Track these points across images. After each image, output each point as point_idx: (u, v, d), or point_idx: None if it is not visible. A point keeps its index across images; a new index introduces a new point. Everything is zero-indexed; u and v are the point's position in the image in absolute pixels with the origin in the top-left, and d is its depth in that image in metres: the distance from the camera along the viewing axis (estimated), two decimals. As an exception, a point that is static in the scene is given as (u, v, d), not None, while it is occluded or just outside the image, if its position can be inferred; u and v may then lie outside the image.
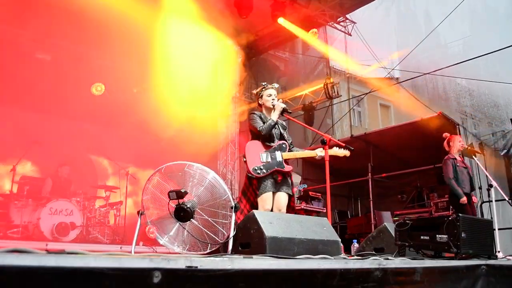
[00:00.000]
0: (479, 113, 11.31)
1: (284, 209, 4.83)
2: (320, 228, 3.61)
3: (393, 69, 11.80)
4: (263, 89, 5.19)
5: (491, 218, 8.91)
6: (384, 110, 21.56)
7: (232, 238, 3.27)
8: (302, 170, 12.95)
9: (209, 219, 3.39)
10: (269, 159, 4.79)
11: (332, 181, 13.04)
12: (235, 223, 3.38)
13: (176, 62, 11.32)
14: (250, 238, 3.22)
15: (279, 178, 4.83)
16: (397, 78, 12.16)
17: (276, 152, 4.90)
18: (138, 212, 3.57)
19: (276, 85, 5.27)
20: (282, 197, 4.86)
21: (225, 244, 3.31)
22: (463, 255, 3.27)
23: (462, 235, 3.24)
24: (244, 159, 4.82)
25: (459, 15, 10.55)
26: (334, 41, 13.59)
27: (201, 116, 12.73)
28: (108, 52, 10.25)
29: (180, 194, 3.29)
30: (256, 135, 4.95)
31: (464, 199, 6.89)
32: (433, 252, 3.48)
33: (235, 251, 3.28)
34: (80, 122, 10.13)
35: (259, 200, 4.64)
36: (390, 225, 4.27)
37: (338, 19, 12.64)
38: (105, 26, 9.48)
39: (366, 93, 13.13)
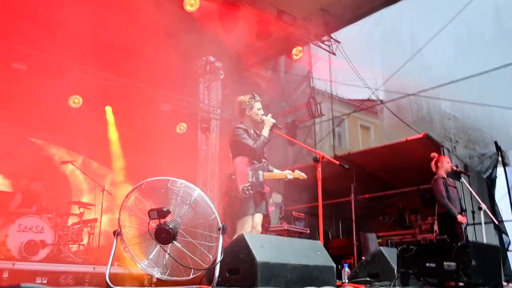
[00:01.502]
0: (463, 135, 11.28)
1: (260, 228, 4.58)
2: (314, 252, 3.33)
3: (377, 89, 11.70)
4: (253, 100, 4.91)
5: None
6: (364, 131, 21.54)
7: (219, 263, 2.96)
8: (284, 189, 12.68)
9: (193, 241, 3.08)
10: (254, 179, 4.52)
11: (313, 201, 12.78)
12: (222, 247, 3.07)
13: (155, 74, 11.07)
14: (239, 264, 2.92)
15: (258, 200, 4.57)
16: (381, 100, 12.07)
17: (259, 171, 4.63)
18: (114, 232, 3.23)
19: (258, 98, 5.02)
20: (258, 218, 4.61)
21: (210, 269, 3.00)
22: (473, 285, 3.01)
23: (473, 263, 3.00)
24: (233, 177, 4.51)
25: (444, 38, 10.53)
26: (318, 60, 13.47)
27: (181, 131, 12.47)
28: (86, 64, 9.95)
29: (161, 213, 2.98)
30: (243, 152, 4.66)
31: (461, 218, 6.72)
32: (437, 281, 3.22)
33: (222, 277, 2.97)
34: (55, 135, 9.74)
35: (239, 222, 4.35)
36: (385, 249, 4.01)
37: (323, 38, 12.54)
38: (84, 38, 9.21)
39: (349, 113, 13.02)
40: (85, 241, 8.25)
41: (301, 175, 4.85)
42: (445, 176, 7.19)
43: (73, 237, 8.09)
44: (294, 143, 5.99)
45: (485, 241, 9.15)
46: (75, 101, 9.93)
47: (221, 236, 3.01)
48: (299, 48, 11.79)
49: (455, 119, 11.58)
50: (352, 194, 11.29)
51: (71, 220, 8.32)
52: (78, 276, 7.01)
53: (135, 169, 10.48)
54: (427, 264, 3.20)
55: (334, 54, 12.84)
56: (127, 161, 10.44)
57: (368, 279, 3.77)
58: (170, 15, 9.87)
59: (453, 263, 3.04)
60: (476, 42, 11.03)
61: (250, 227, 4.42)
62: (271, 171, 4.81)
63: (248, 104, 4.89)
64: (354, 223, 11.02)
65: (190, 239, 3.08)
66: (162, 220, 3.02)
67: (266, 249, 2.97)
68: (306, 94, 14.03)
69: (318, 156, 4.42)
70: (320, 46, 12.75)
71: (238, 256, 2.94)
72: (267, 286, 2.75)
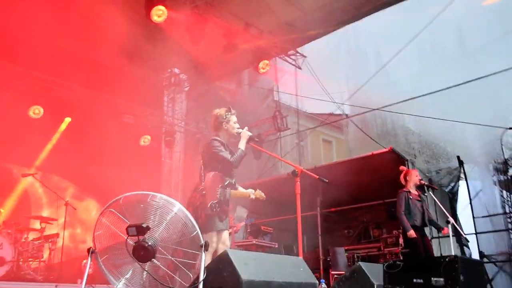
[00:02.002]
0: (427, 149, 11.51)
1: (228, 243, 4.49)
2: (297, 269, 3.23)
3: (342, 104, 11.81)
4: (229, 113, 4.81)
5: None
6: (326, 145, 21.75)
7: (202, 282, 2.82)
8: (249, 203, 12.58)
9: (173, 259, 2.93)
10: (222, 197, 4.42)
11: (279, 215, 12.76)
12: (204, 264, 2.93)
13: (119, 85, 10.84)
14: (222, 282, 2.79)
15: (224, 216, 4.48)
16: (347, 114, 12.19)
17: (227, 189, 4.53)
18: (88, 250, 3.04)
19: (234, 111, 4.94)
20: (225, 234, 4.55)
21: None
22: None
23: (461, 278, 2.98)
24: (204, 192, 4.36)
25: (408, 54, 10.76)
26: (284, 74, 13.52)
27: (145, 143, 12.24)
28: (47, 74, 9.64)
29: (140, 230, 2.82)
30: (218, 166, 4.54)
31: (411, 233, 6.79)
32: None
33: (204, 297, 2.83)
34: (14, 146, 9.33)
35: (204, 237, 4.23)
36: (365, 265, 3.96)
37: (289, 52, 12.61)
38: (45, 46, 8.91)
39: (315, 127, 13.10)
40: (45, 257, 7.86)
41: (261, 195, 4.77)
42: (411, 190, 7.26)
43: (34, 253, 7.70)
44: (273, 156, 5.78)
45: (453, 254, 9.30)
46: (36, 111, 9.57)
47: (203, 254, 2.88)
48: (266, 61, 11.79)
49: (418, 134, 11.81)
50: (318, 208, 11.29)
51: (31, 236, 7.93)
52: (38, 295, 6.68)
53: (97, 182, 10.17)
54: (415, 280, 3.15)
55: (300, 68, 12.92)
56: (89, 174, 10.10)
57: None
58: (136, 26, 9.70)
59: (441, 279, 3.01)
60: (439, 58, 11.33)
61: (215, 242, 4.33)
62: (237, 188, 4.72)
63: (224, 117, 4.79)
64: (320, 237, 11.01)
65: (170, 257, 2.94)
66: (140, 237, 2.86)
67: (250, 266, 2.85)
68: (271, 107, 14.04)
69: (296, 170, 4.35)
70: (286, 60, 12.81)
71: (221, 274, 2.81)
72: (252, 306, 2.64)
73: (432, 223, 7.36)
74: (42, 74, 9.62)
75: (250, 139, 4.67)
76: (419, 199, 7.22)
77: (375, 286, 3.70)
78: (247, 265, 2.84)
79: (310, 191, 10.86)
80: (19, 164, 9.65)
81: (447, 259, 3.06)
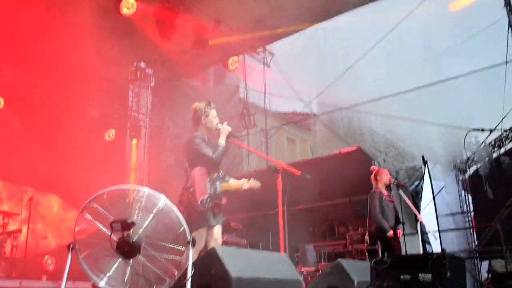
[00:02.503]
0: (392, 149, 11.72)
1: (220, 240, 4.42)
2: (282, 265, 3.20)
3: (310, 102, 11.89)
4: (208, 107, 4.71)
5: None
6: (290, 144, 21.88)
7: (190, 279, 2.74)
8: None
9: (158, 255, 2.84)
10: (212, 191, 4.34)
11: (246, 211, 12.69)
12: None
13: (83, 78, 10.56)
14: (210, 279, 2.73)
15: (216, 211, 4.40)
16: (314, 113, 12.27)
17: (217, 182, 4.46)
18: (68, 246, 2.92)
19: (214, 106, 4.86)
20: (218, 229, 4.48)
21: (180, 286, 2.77)
22: (448, 297, 3.03)
23: (448, 274, 3.01)
24: (192, 189, 4.26)
25: (376, 54, 10.90)
26: (252, 71, 13.48)
27: (110, 138, 11.97)
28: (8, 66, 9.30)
29: (125, 225, 2.72)
30: (201, 162, 4.46)
31: (391, 233, 6.88)
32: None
33: (191, 294, 2.75)
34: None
35: (195, 234, 4.15)
36: (345, 261, 3.97)
37: (258, 50, 12.59)
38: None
39: (282, 125, 13.12)
40: (7, 253, 7.55)
41: (256, 184, 4.73)
42: (382, 189, 7.34)
43: (-5, 249, 7.40)
44: (253, 152, 5.66)
45: (421, 251, 9.53)
46: (-3, 103, 9.20)
47: (191, 250, 2.80)
48: (235, 58, 11.73)
49: (384, 134, 12.00)
50: (285, 205, 11.32)
51: (-9, 231, 7.62)
52: (0, 292, 6.41)
53: (60, 176, 9.86)
54: (402, 277, 3.18)
55: (268, 66, 12.93)
56: (51, 168, 9.76)
57: None
58: (104, 16, 9.45)
59: (429, 275, 3.04)
60: (406, 60, 11.54)
61: (203, 241, 4.24)
62: (227, 181, 4.64)
63: (204, 111, 4.70)
64: (286, 234, 11.05)
65: (155, 253, 2.84)
66: (125, 232, 2.76)
67: (238, 263, 2.80)
68: (238, 105, 13.97)
69: (278, 167, 4.31)
70: (254, 58, 12.79)
71: (209, 271, 2.75)
72: (241, 303, 2.59)
73: None
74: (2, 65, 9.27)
75: (230, 134, 4.60)
76: (390, 199, 7.32)
77: (356, 282, 3.71)
78: (235, 261, 2.78)
79: (275, 188, 10.91)
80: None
81: (434, 256, 3.10)
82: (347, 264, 3.89)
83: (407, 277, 3.15)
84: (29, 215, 7.81)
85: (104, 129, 11.91)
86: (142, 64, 14.01)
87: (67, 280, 2.81)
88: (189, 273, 2.73)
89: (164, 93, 14.47)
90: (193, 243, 2.82)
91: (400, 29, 10.78)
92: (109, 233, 2.79)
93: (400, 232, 7.28)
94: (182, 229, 2.83)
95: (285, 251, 3.97)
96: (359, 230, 10.63)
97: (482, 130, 9.78)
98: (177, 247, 2.84)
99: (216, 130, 4.67)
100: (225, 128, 4.60)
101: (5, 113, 9.32)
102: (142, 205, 2.82)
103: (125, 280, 2.89)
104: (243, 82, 13.58)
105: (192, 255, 2.78)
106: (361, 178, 10.37)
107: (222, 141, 4.53)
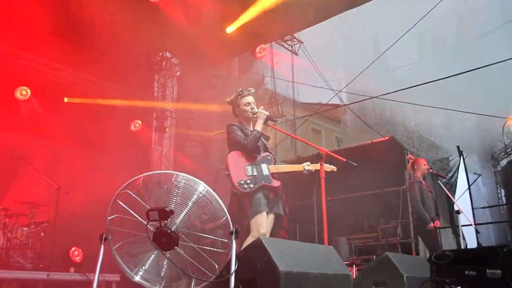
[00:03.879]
0: (426, 139, 11.33)
1: (268, 233, 4.17)
2: (330, 259, 2.95)
3: (339, 91, 11.55)
4: (239, 96, 4.48)
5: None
6: (316, 135, 21.57)
7: (233, 273, 2.51)
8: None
9: (198, 247, 2.61)
10: (255, 173, 4.12)
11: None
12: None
13: (109, 68, 10.43)
14: (255, 273, 2.48)
15: (271, 196, 4.16)
16: (344, 104, 11.94)
17: (262, 165, 4.24)
18: (101, 237, 2.70)
19: (252, 90, 4.61)
20: (270, 220, 4.19)
21: (222, 281, 2.54)
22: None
23: None
24: (227, 173, 4.06)
25: (407, 42, 10.50)
26: (279, 60, 13.19)
27: (136, 129, 11.85)
28: (35, 54, 9.22)
29: (163, 214, 2.49)
30: (235, 147, 4.25)
31: (431, 225, 6.54)
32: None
33: (235, 290, 2.51)
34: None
35: (253, 222, 3.91)
36: (392, 255, 3.69)
37: (286, 38, 12.29)
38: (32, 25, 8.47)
39: (311, 115, 12.81)
40: (35, 245, 7.45)
41: (328, 167, 4.48)
42: (421, 179, 7.02)
43: (23, 240, 7.29)
44: (292, 137, 5.29)
45: (462, 246, 9.15)
46: (23, 92, 9.11)
47: (234, 241, 2.56)
48: (263, 45, 11.45)
49: (417, 124, 11.61)
50: (314, 197, 11.11)
51: (21, 221, 7.51)
52: (28, 284, 6.29)
53: (86, 167, 9.75)
54: (467, 272, 2.87)
55: (296, 54, 12.63)
56: (78, 159, 9.67)
57: None
58: (131, 3, 9.28)
59: (498, 271, 2.73)
60: (439, 47, 11.10)
61: (266, 227, 4.00)
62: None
63: (235, 102, 4.48)
64: (316, 226, 10.85)
65: (195, 245, 2.61)
66: (162, 222, 2.53)
67: (286, 256, 2.55)
68: (264, 95, 13.71)
69: (321, 152, 4.06)
70: (282, 45, 12.50)
71: (255, 264, 2.50)
72: (290, 300, 2.34)
73: None
74: (30, 54, 9.19)
75: (267, 119, 4.36)
76: (429, 189, 6.99)
77: (405, 277, 3.44)
78: (283, 254, 2.54)
79: (306, 180, 10.65)
80: (12, 147, 9.22)
81: (505, 249, 2.78)
82: (395, 258, 3.62)
83: (473, 273, 2.84)
84: (57, 206, 7.68)
85: (130, 120, 11.79)
86: (168, 54, 13.85)
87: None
88: (233, 267, 2.50)
89: (190, 83, 14.28)
90: (237, 234, 2.59)
91: (432, 16, 10.37)
92: (145, 223, 2.56)
93: (438, 222, 6.96)
94: (224, 218, 2.59)
95: (329, 243, 3.70)
96: (391, 222, 10.29)
97: (521, 119, 9.32)
98: (219, 239, 2.61)
99: (253, 117, 4.43)
100: (262, 113, 4.36)
101: (31, 103, 9.24)
102: (180, 192, 2.59)
103: (162, 274, 2.67)
104: (271, 71, 13.32)
105: (235, 246, 2.55)
106: (393, 169, 10.06)
107: (257, 127, 4.29)
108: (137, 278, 2.66)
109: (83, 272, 6.89)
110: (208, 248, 2.63)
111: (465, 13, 11.17)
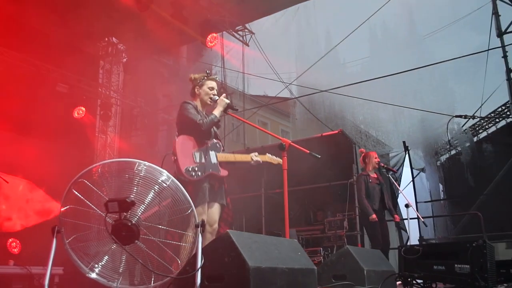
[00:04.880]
0: (373, 133, 11.53)
1: (217, 224, 4.02)
2: (295, 253, 2.86)
3: (290, 83, 11.53)
4: (205, 77, 4.32)
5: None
6: (262, 127, 21.56)
7: (200, 269, 2.35)
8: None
9: (160, 241, 2.43)
10: (203, 160, 3.94)
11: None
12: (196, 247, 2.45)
13: (53, 51, 9.93)
14: (223, 269, 2.35)
15: (216, 185, 4.01)
16: (294, 97, 11.92)
17: (211, 152, 4.07)
18: (53, 229, 2.47)
19: (217, 77, 4.45)
20: (216, 209, 4.05)
21: (181, 278, 2.38)
22: (489, 290, 2.71)
23: (489, 265, 2.71)
24: (174, 158, 3.86)
25: (359, 37, 10.62)
26: (230, 50, 13.01)
27: (79, 115, 11.36)
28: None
29: (124, 205, 2.30)
30: (188, 129, 4.06)
31: (373, 217, 6.66)
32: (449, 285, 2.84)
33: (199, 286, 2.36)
34: None
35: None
36: (353, 248, 3.65)
37: (237, 28, 12.13)
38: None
39: (261, 106, 12.73)
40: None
41: (275, 159, 4.38)
42: (369, 173, 7.13)
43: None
44: (255, 127, 5.07)
45: (404, 239, 9.35)
46: (-44, 73, 8.49)
47: (200, 235, 2.41)
48: (214, 34, 11.22)
49: (365, 118, 11.79)
50: (263, 189, 11.06)
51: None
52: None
53: (26, 154, 9.22)
54: (435, 267, 2.86)
55: (247, 45, 12.48)
56: (17, 145, 9.13)
57: (349, 283, 3.37)
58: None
59: (467, 266, 2.73)
60: (390, 43, 11.29)
61: (211, 217, 3.85)
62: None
63: (198, 81, 4.30)
64: (264, 219, 10.81)
65: (157, 239, 2.44)
66: (122, 214, 2.34)
67: (255, 250, 2.43)
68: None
69: (284, 144, 3.95)
70: (233, 35, 12.32)
71: (222, 259, 2.36)
72: (259, 297, 2.23)
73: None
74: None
75: (228, 107, 4.21)
76: (377, 182, 7.09)
77: (365, 271, 3.41)
78: (251, 248, 2.41)
79: (254, 172, 10.57)
80: None
81: (474, 244, 2.78)
82: (356, 251, 3.58)
83: (441, 268, 2.84)
84: (-3, 195, 7.21)
85: (73, 106, 11.28)
86: (114, 40, 13.38)
87: (51, 267, 2.37)
88: (199, 262, 2.34)
89: (136, 70, 13.85)
90: (203, 227, 2.44)
91: (384, 12, 10.53)
92: (104, 214, 2.36)
93: (397, 217, 7.11)
94: (190, 210, 2.43)
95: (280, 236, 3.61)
96: (337, 215, 10.42)
97: (465, 116, 9.65)
98: (183, 232, 2.45)
99: (213, 104, 4.27)
100: (223, 101, 4.20)
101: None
102: (141, 181, 2.40)
103: (120, 270, 2.48)
104: (221, 61, 13.11)
105: (201, 240, 2.40)
106: (342, 162, 10.15)
107: (216, 112, 4.12)
108: (93, 275, 2.45)
109: (23, 265, 6.49)
110: (171, 242, 2.46)
111: (416, 10, 11.44)
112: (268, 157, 4.45)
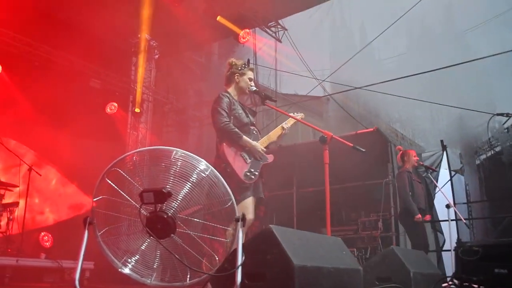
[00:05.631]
0: (409, 131, 11.20)
1: (252, 216, 3.87)
2: (340, 252, 2.67)
3: (323, 80, 11.29)
4: (246, 66, 4.17)
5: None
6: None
7: (240, 266, 2.18)
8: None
9: (197, 235, 2.28)
10: (252, 157, 3.82)
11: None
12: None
13: (86, 47, 9.95)
14: (264, 267, 2.17)
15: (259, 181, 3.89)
16: (327, 94, 11.66)
17: (254, 143, 3.99)
18: (84, 221, 2.33)
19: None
20: (249, 202, 3.88)
21: (219, 276, 2.21)
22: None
23: None
24: (228, 170, 3.68)
25: (395, 33, 10.29)
26: (262, 47, 12.84)
27: (112, 111, 11.39)
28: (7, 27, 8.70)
29: (160, 196, 2.15)
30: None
31: (418, 216, 6.36)
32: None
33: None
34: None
35: (239, 207, 3.58)
36: (398, 249, 3.44)
37: (270, 24, 11.96)
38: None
39: (295, 103, 12.53)
40: (3, 228, 6.96)
41: (296, 117, 4.43)
42: (410, 170, 6.84)
43: (-10, 224, 6.81)
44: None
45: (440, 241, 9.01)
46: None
47: (240, 230, 2.24)
48: (247, 30, 11.10)
49: (401, 115, 11.44)
50: (294, 187, 10.88)
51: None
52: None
53: (59, 148, 9.29)
54: (497, 271, 2.61)
55: (280, 41, 12.30)
56: (50, 140, 9.18)
57: (397, 285, 3.15)
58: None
59: None
60: (427, 38, 10.92)
61: (253, 214, 3.69)
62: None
63: (239, 68, 4.15)
64: (295, 218, 10.61)
65: (194, 233, 2.29)
66: (158, 206, 2.20)
67: (298, 248, 2.25)
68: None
69: (326, 136, 3.75)
70: (266, 31, 12.16)
71: (264, 257, 2.19)
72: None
73: None
74: (4, 29, 8.67)
75: (265, 98, 4.05)
76: (419, 181, 6.81)
77: (411, 273, 3.19)
78: (295, 246, 2.23)
79: (286, 169, 10.37)
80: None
81: None
82: (401, 252, 3.36)
83: (504, 271, 2.58)
84: (28, 188, 7.21)
85: (106, 102, 11.32)
86: (147, 36, 13.39)
87: (83, 261, 2.24)
88: (239, 259, 2.17)
89: (168, 67, 13.85)
90: (243, 221, 2.27)
91: (421, 7, 10.17)
92: (138, 206, 2.22)
93: (429, 216, 6.80)
94: (230, 203, 2.27)
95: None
96: (371, 215, 10.12)
97: (507, 115, 9.21)
98: (222, 227, 2.29)
99: (250, 94, 4.14)
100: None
101: (3, 79, 8.70)
102: (178, 172, 2.25)
103: (154, 266, 2.33)
104: (253, 58, 12.95)
105: (242, 236, 2.23)
106: (376, 161, 9.85)
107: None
108: (126, 270, 2.30)
109: (54, 259, 6.47)
110: (210, 237, 2.30)
111: (455, 5, 11.01)
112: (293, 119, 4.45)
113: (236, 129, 3.86)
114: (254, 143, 3.95)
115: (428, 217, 6.72)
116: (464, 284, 2.58)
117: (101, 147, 9.74)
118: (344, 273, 2.47)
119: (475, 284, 2.56)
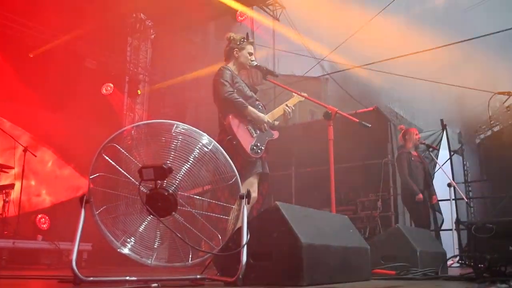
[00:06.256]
0: (408, 110, 11.09)
1: (256, 193, 3.79)
2: (347, 230, 2.58)
3: (322, 59, 11.13)
4: (245, 40, 4.05)
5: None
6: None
7: (245, 245, 2.09)
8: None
9: (199, 213, 2.18)
10: (257, 131, 3.73)
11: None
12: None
13: (81, 27, 9.77)
14: (271, 246, 2.08)
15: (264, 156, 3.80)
16: (326, 73, 11.51)
17: (261, 115, 3.95)
18: (81, 199, 2.23)
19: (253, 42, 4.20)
20: (254, 179, 3.78)
21: (222, 255, 2.12)
22: None
23: None
24: (234, 142, 3.59)
25: (395, 9, 10.10)
26: (259, 26, 12.63)
27: (107, 92, 11.23)
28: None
29: (160, 172, 2.04)
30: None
31: (420, 196, 6.31)
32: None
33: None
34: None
35: (246, 184, 3.49)
36: (404, 227, 3.36)
37: (267, 1, 11.76)
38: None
39: (293, 83, 12.36)
40: (-1, 210, 6.87)
41: (299, 96, 4.32)
42: (410, 150, 6.75)
43: (-15, 206, 6.71)
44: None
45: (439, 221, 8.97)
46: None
47: (245, 207, 2.15)
48: (245, 8, 10.90)
49: (400, 95, 11.31)
50: (293, 167, 10.80)
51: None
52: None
53: (54, 130, 9.17)
54: (511, 248, 2.53)
55: (278, 20, 12.11)
56: (45, 121, 9.05)
57: (407, 264, 3.08)
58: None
59: None
60: (428, 16, 10.73)
61: (257, 191, 3.61)
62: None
63: (238, 43, 4.02)
64: (294, 197, 10.55)
65: (196, 211, 2.19)
66: (159, 182, 2.09)
67: (305, 226, 2.15)
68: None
69: (330, 112, 3.64)
70: (263, 9, 11.96)
71: (270, 235, 2.10)
72: (312, 277, 1.96)
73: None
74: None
75: (267, 73, 3.94)
76: (420, 161, 6.73)
77: (418, 252, 3.12)
78: (302, 223, 2.14)
79: (284, 150, 10.28)
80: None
81: None
82: (407, 230, 3.29)
83: (519, 249, 2.50)
84: (23, 169, 7.10)
85: (102, 83, 11.15)
86: (142, 16, 13.17)
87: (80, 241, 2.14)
88: (244, 238, 2.08)
89: (164, 47, 13.64)
90: (248, 198, 2.17)
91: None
92: (137, 183, 2.11)
93: (435, 198, 6.74)
94: (234, 179, 2.16)
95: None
96: (370, 195, 10.08)
97: (508, 93, 9.11)
98: (225, 204, 2.19)
99: (250, 68, 4.02)
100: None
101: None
102: (179, 146, 2.13)
103: (155, 245, 2.23)
104: (252, 35, 12.76)
105: (246, 214, 2.14)
106: (375, 140, 9.76)
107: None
108: (125, 250, 2.21)
109: (51, 240, 6.40)
110: (212, 214, 2.20)
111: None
112: (296, 98, 4.39)
113: (241, 99, 3.77)
114: (259, 113, 3.85)
115: (435, 199, 6.67)
116: (478, 263, 2.49)
117: (98, 129, 9.57)
118: (352, 252, 2.39)
119: (489, 262, 2.47)
